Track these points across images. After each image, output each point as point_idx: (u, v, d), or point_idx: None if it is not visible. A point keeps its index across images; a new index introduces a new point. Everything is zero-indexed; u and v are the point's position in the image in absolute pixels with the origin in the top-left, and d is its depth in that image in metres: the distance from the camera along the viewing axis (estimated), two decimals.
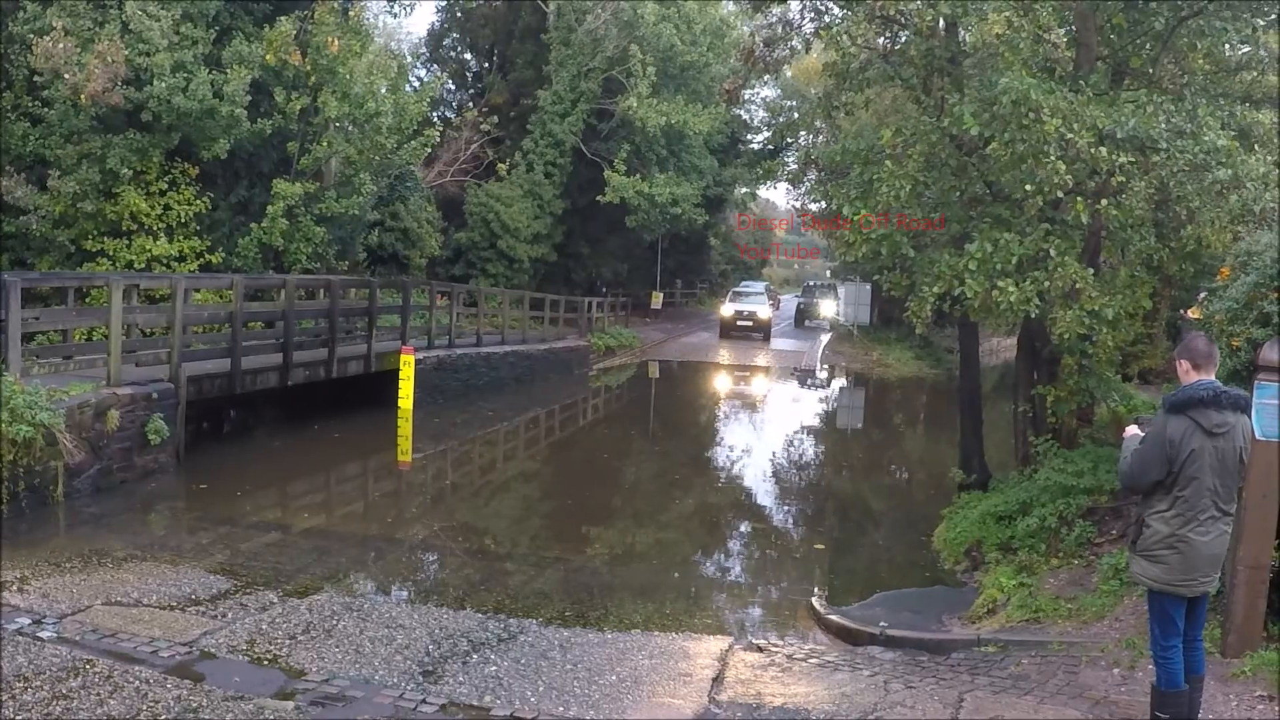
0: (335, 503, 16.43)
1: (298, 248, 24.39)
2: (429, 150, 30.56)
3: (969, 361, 16.95)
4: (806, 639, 10.17)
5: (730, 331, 49.21)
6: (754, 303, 51.83)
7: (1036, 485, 12.38)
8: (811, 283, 73.33)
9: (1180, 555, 6.44)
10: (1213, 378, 6.54)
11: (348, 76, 24.32)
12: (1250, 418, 6.70)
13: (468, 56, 49.80)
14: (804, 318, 61.18)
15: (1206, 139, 11.13)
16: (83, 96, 19.89)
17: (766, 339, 48.81)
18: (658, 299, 54.99)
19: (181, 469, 15.95)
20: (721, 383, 36.69)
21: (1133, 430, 6.97)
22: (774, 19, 17.25)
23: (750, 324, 49.47)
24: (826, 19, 15.92)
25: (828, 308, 61.34)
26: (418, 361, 23.83)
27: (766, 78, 48.80)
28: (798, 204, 39.51)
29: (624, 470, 20.29)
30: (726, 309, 51.36)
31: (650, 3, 39.04)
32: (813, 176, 18.93)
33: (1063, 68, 12.65)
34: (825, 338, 52.24)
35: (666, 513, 16.54)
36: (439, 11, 48.14)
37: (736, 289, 58.22)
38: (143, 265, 21.60)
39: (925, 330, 13.26)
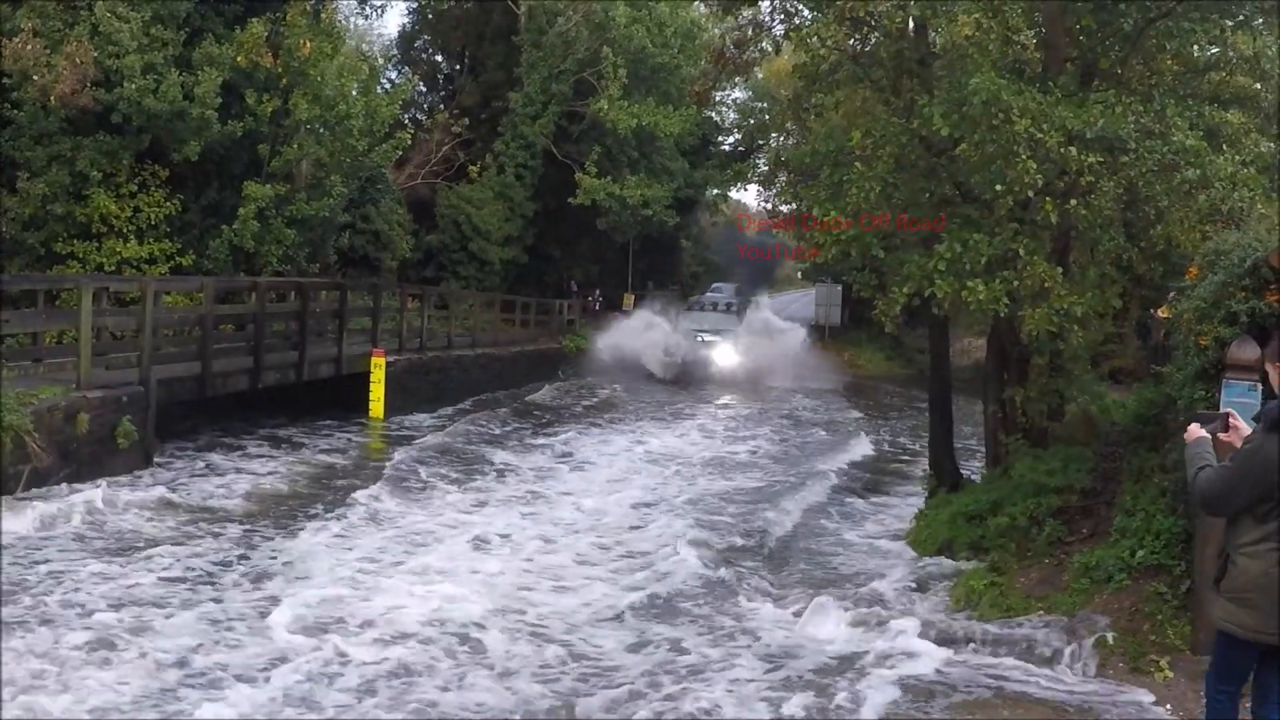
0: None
1: (269, 250, 24.23)
2: (400, 153, 30.50)
3: (939, 361, 16.99)
4: None
5: None
6: None
7: (1008, 484, 12.45)
8: (710, 292, 51.54)
9: (1273, 597, 5.29)
10: None
11: (319, 78, 24.20)
12: None
13: (439, 58, 49.60)
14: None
15: (1175, 139, 11.19)
16: (52, 98, 19.76)
17: None
18: (630, 301, 54.68)
19: (151, 472, 15.86)
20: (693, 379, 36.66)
21: (1196, 431, 5.66)
22: (744, 21, 17.40)
23: None
24: (796, 21, 15.96)
25: (721, 348, 39.12)
26: (389, 364, 23.82)
27: (737, 79, 49.06)
28: (769, 205, 39.23)
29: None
30: None
31: (622, 5, 38.99)
32: (783, 178, 18.96)
33: (1032, 69, 12.71)
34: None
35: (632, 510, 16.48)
36: (410, 13, 47.85)
37: (698, 299, 49.66)
38: (113, 268, 21.46)
39: (896, 330, 13.23)
